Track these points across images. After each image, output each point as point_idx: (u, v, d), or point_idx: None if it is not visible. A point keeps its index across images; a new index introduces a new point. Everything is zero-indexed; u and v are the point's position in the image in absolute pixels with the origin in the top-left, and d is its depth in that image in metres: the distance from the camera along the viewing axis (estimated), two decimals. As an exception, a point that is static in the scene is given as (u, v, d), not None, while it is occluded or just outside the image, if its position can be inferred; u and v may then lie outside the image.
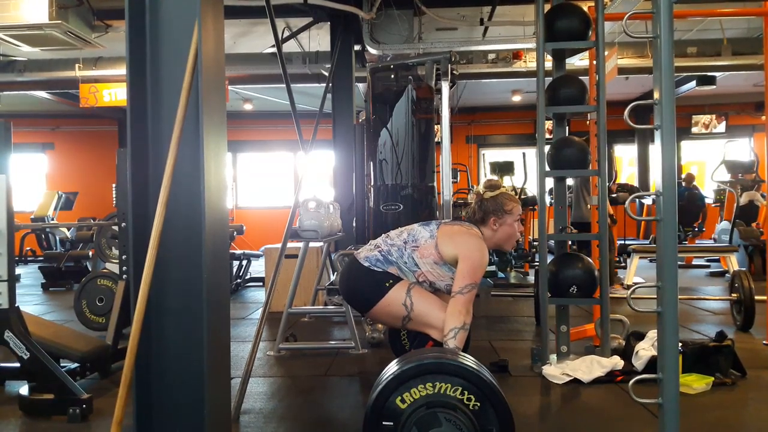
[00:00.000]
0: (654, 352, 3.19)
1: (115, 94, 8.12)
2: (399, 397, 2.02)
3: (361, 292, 2.61)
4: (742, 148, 11.24)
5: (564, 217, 3.62)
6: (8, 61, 8.20)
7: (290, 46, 7.90)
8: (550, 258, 3.48)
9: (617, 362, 3.32)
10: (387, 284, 2.54)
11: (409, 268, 2.57)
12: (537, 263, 5.06)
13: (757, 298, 4.34)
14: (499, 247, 2.74)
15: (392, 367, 2.16)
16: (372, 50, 6.70)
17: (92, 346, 3.40)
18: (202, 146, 1.93)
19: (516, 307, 5.59)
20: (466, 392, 2.00)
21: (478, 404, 2.00)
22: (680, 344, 2.57)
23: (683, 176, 9.89)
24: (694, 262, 8.57)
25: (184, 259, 1.96)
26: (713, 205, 9.30)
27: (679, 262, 6.22)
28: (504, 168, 8.06)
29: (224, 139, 2.13)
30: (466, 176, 11.29)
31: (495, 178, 2.75)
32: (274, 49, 4.83)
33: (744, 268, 6.26)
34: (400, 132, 5.18)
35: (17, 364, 2.94)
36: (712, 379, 3.07)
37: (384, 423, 2.02)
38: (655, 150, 1.86)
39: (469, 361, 2.10)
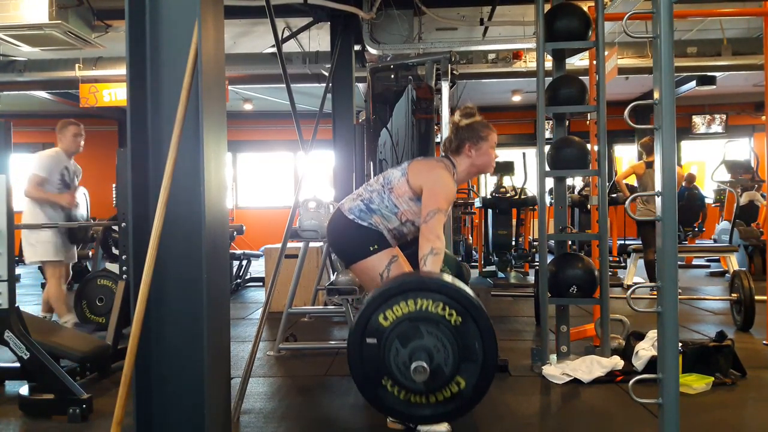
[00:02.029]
0: (654, 352, 3.19)
1: (115, 94, 8.12)
2: (381, 315, 2.06)
3: (347, 247, 2.67)
4: (742, 148, 11.24)
5: (564, 217, 3.62)
6: (8, 61, 8.19)
7: (290, 46, 7.89)
8: (550, 258, 3.48)
9: (617, 362, 3.32)
10: (372, 248, 2.58)
11: (390, 212, 2.60)
12: (537, 263, 5.06)
13: (757, 298, 4.33)
14: (476, 174, 2.76)
15: (374, 290, 2.19)
16: (372, 50, 6.70)
17: (92, 346, 3.40)
18: (202, 146, 1.93)
19: (516, 307, 5.59)
20: (447, 308, 2.03)
21: (460, 319, 2.03)
22: (680, 344, 2.57)
23: (684, 176, 9.88)
24: (694, 262, 8.56)
25: (184, 259, 1.96)
26: (713, 205, 9.30)
27: (679, 262, 6.22)
28: (504, 168, 8.05)
29: (224, 139, 2.14)
30: (466, 176, 11.28)
31: (471, 104, 2.75)
32: (274, 49, 4.83)
33: (744, 268, 6.26)
34: (400, 132, 5.18)
35: (17, 364, 2.94)
36: (712, 379, 3.07)
37: (368, 340, 2.05)
38: (655, 150, 1.86)
39: (449, 278, 2.12)
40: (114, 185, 4.18)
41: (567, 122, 3.79)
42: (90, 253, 7.41)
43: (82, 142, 4.88)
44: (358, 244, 2.60)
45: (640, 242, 6.53)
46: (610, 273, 4.24)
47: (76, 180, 4.88)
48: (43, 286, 7.35)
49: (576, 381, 3.19)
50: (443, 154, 2.79)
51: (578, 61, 6.56)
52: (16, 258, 3.13)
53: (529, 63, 7.83)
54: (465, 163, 2.70)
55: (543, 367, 3.34)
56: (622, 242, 8.69)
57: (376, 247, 2.58)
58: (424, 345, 2.01)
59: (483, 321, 2.03)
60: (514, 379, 3.32)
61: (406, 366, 2.01)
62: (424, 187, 2.55)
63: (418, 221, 2.61)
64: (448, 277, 2.16)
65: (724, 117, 12.29)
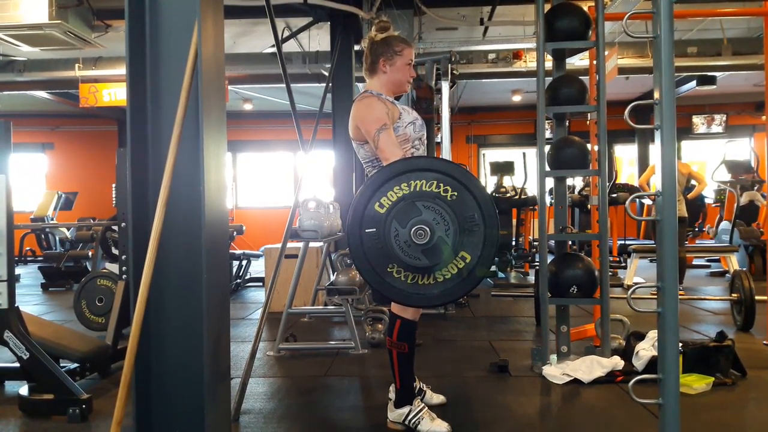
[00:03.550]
0: (654, 353, 3.19)
1: (115, 94, 8.12)
2: (377, 203, 2.05)
3: None
4: (742, 148, 11.24)
5: (564, 217, 3.62)
6: (8, 61, 8.20)
7: (290, 46, 7.89)
8: (550, 258, 3.48)
9: (617, 362, 3.32)
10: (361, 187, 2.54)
11: None
12: (537, 263, 5.05)
13: (757, 298, 4.33)
14: (395, 91, 2.66)
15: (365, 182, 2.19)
16: (372, 50, 6.68)
17: (92, 346, 3.40)
18: (202, 146, 1.93)
19: (516, 308, 5.59)
20: (441, 185, 2.03)
21: (456, 194, 2.02)
22: (680, 344, 2.57)
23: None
24: (694, 262, 8.57)
25: (184, 259, 1.96)
26: (713, 205, 9.30)
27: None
28: (504, 168, 8.06)
29: (224, 139, 2.13)
30: (466, 176, 11.28)
31: (386, 18, 2.68)
32: (274, 49, 4.82)
33: (744, 268, 6.26)
34: (400, 132, 5.17)
35: (17, 364, 2.94)
36: (713, 379, 3.07)
37: (367, 231, 2.05)
38: (655, 150, 1.86)
39: (439, 158, 2.12)
40: (114, 185, 4.17)
41: (567, 122, 3.79)
42: (90, 253, 7.41)
43: None
44: None
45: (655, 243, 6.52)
46: (610, 273, 4.24)
47: None
48: (43, 286, 7.37)
49: (576, 381, 3.19)
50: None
51: (578, 61, 6.56)
52: (15, 258, 3.13)
53: (529, 63, 7.83)
54: (381, 81, 2.60)
55: (543, 368, 3.34)
56: (623, 242, 8.69)
57: None
58: (423, 219, 2.00)
59: (478, 191, 2.02)
60: (515, 379, 3.32)
61: (409, 244, 2.00)
62: (359, 128, 2.51)
63: (412, 150, 2.56)
64: (433, 157, 2.15)
65: (724, 117, 12.29)
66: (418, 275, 2.07)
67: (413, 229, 1.99)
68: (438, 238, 2.00)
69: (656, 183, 1.85)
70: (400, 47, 2.60)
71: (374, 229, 2.04)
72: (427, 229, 1.99)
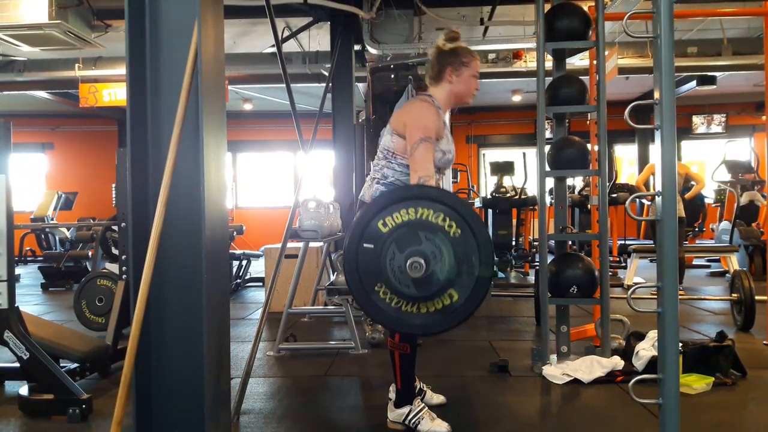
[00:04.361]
0: (654, 353, 3.19)
1: (115, 94, 8.12)
2: (381, 221, 2.05)
3: None
4: (742, 148, 11.24)
5: (564, 217, 3.62)
6: (8, 61, 8.19)
7: (290, 46, 7.89)
8: (550, 258, 3.48)
9: (617, 362, 3.32)
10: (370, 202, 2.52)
11: (406, 174, 2.51)
12: (537, 263, 5.06)
13: (757, 298, 4.34)
14: (455, 104, 2.68)
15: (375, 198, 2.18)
16: (372, 50, 6.70)
17: (92, 346, 3.40)
18: (202, 146, 1.93)
19: (516, 307, 5.59)
20: (448, 219, 2.03)
21: (459, 231, 2.02)
22: (680, 344, 2.57)
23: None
24: (695, 262, 8.57)
25: (184, 259, 1.96)
26: (713, 205, 9.30)
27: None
28: (504, 168, 8.06)
29: (224, 139, 2.13)
30: (466, 176, 11.29)
31: (455, 29, 2.70)
32: (274, 49, 4.83)
33: (744, 268, 6.26)
34: (400, 132, 5.18)
35: (17, 364, 2.94)
36: (713, 379, 3.07)
37: (365, 245, 2.05)
38: (655, 150, 1.86)
39: (453, 193, 2.11)
40: (114, 185, 4.17)
41: (567, 122, 3.79)
42: (90, 253, 7.41)
43: None
44: None
45: (654, 243, 6.52)
46: (610, 273, 4.24)
47: None
48: (42, 286, 7.37)
49: (576, 381, 3.19)
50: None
51: (578, 61, 6.56)
52: (15, 258, 3.13)
53: (529, 63, 7.83)
54: (445, 91, 2.61)
55: (543, 368, 3.34)
56: (623, 242, 8.69)
57: None
58: (421, 250, 2.00)
59: (482, 235, 2.02)
60: (515, 379, 3.32)
61: (401, 269, 2.00)
62: (406, 125, 2.48)
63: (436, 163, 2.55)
64: (449, 191, 2.16)
65: (724, 117, 12.29)
66: (404, 301, 2.07)
67: (410, 261, 1.99)
68: (431, 272, 2.00)
69: (656, 183, 1.85)
70: (467, 58, 2.62)
71: (372, 246, 2.04)
72: (423, 263, 1.98)
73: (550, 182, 3.65)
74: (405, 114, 2.55)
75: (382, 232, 2.04)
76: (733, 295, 4.47)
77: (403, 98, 5.25)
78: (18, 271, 8.79)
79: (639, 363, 3.27)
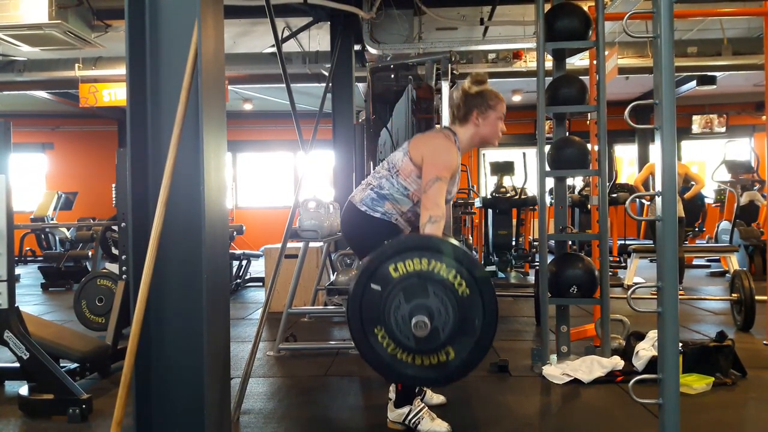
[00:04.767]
0: (654, 352, 3.19)
1: (115, 94, 8.12)
2: (392, 265, 2.04)
3: (361, 241, 2.64)
4: (742, 148, 11.23)
5: (564, 217, 3.62)
6: (8, 61, 8.20)
7: (290, 46, 7.89)
8: (550, 258, 3.48)
9: (617, 362, 3.32)
10: (387, 243, 2.54)
11: (402, 194, 2.57)
12: (537, 263, 5.06)
13: (757, 298, 4.33)
14: (479, 145, 2.70)
15: (393, 240, 2.18)
16: (372, 50, 6.70)
17: (92, 346, 3.40)
18: (202, 146, 1.93)
19: (516, 307, 5.59)
20: (459, 276, 2.02)
21: (468, 291, 2.01)
22: (680, 344, 2.57)
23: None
24: (694, 262, 8.57)
25: (184, 259, 1.96)
26: (713, 205, 9.30)
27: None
28: (504, 168, 8.06)
29: (224, 139, 2.13)
30: (466, 176, 11.27)
31: (482, 72, 2.71)
32: (274, 49, 4.83)
33: (744, 268, 6.26)
34: (400, 132, 5.18)
35: (17, 364, 2.94)
36: (713, 379, 3.07)
37: (372, 285, 2.04)
38: (655, 150, 1.86)
39: (469, 252, 2.11)
40: (114, 185, 4.17)
41: (567, 122, 3.79)
42: (90, 253, 7.41)
43: None
44: (373, 239, 2.54)
45: (654, 243, 6.53)
46: (610, 273, 4.24)
47: None
48: (43, 286, 7.38)
49: (576, 381, 3.19)
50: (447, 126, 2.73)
51: (578, 61, 6.56)
52: (15, 258, 3.13)
53: (529, 63, 7.83)
54: (470, 132, 2.63)
55: (543, 368, 3.34)
56: (623, 242, 8.69)
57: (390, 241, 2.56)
58: (427, 305, 1.99)
59: (489, 299, 2.02)
60: (515, 379, 3.32)
61: (405, 321, 2.00)
62: (424, 158, 2.50)
63: None
64: (465, 249, 2.14)
65: (724, 117, 12.29)
66: (400, 350, 2.06)
67: (415, 320, 1.97)
68: (434, 328, 1.99)
69: (655, 183, 1.85)
70: (494, 101, 2.63)
71: (380, 288, 2.03)
72: (428, 324, 1.97)
73: (550, 182, 3.65)
74: (426, 146, 2.56)
75: (392, 277, 2.03)
76: (733, 295, 4.47)
77: (403, 98, 5.25)
78: (18, 271, 8.79)
79: (639, 363, 3.27)
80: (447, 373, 2.08)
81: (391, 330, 2.02)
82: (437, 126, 2.69)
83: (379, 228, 2.57)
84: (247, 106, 11.80)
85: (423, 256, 2.03)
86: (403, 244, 2.08)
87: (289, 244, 4.05)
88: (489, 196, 7.64)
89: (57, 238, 9.38)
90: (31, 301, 6.45)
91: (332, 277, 5.26)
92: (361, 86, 8.47)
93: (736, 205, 7.49)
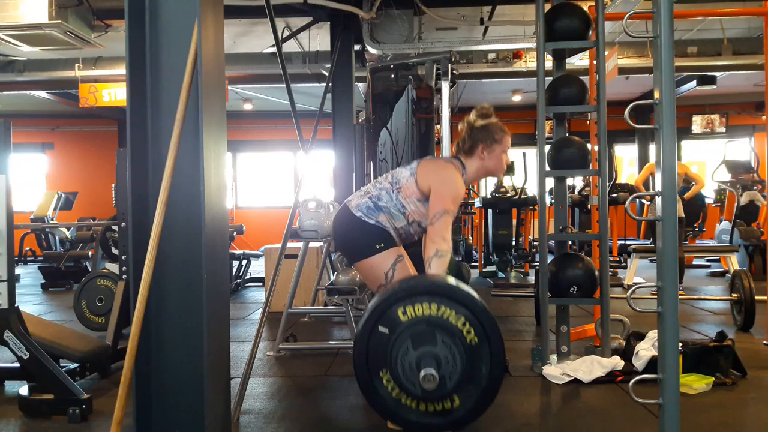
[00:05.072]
0: (654, 352, 3.19)
1: (115, 94, 8.12)
2: (401, 309, 2.02)
3: (353, 244, 2.64)
4: (742, 148, 11.24)
5: (564, 217, 3.61)
6: (8, 61, 8.20)
7: (290, 46, 7.89)
8: (550, 258, 3.48)
9: (617, 362, 3.32)
10: (378, 246, 2.56)
11: (398, 211, 2.59)
12: (537, 263, 5.06)
13: (757, 298, 4.33)
14: (485, 177, 2.76)
15: (403, 281, 2.15)
16: (372, 50, 6.70)
17: (92, 346, 3.39)
18: (202, 146, 1.93)
19: (516, 307, 5.59)
20: (468, 324, 2.00)
21: (476, 339, 1.99)
22: (680, 344, 2.57)
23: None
24: (694, 262, 8.57)
25: (184, 260, 1.96)
26: (713, 205, 9.30)
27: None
28: (504, 168, 8.03)
29: (224, 139, 2.13)
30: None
31: (487, 105, 2.75)
32: (274, 49, 4.83)
33: (744, 268, 6.26)
34: (400, 132, 5.18)
35: (17, 364, 2.94)
36: (713, 379, 3.07)
37: (380, 328, 2.02)
38: (655, 150, 1.86)
39: (479, 298, 2.09)
40: (114, 185, 4.17)
41: (567, 122, 3.79)
42: (90, 253, 7.41)
43: None
44: (364, 242, 2.58)
45: (653, 243, 6.52)
46: (610, 273, 4.24)
47: None
48: (43, 286, 7.37)
49: (576, 381, 3.19)
50: (455, 154, 2.77)
51: (578, 61, 6.56)
52: (15, 258, 3.13)
53: (529, 63, 7.83)
54: (475, 165, 2.68)
55: (543, 368, 3.34)
56: (623, 242, 8.69)
57: (381, 245, 2.57)
58: (435, 353, 1.97)
59: (497, 348, 2.00)
60: (514, 379, 3.32)
61: (412, 368, 1.98)
62: (432, 188, 2.53)
63: (425, 223, 2.60)
64: (476, 295, 2.12)
65: (724, 117, 12.29)
66: (405, 395, 2.05)
67: (424, 374, 1.95)
68: (440, 376, 1.97)
69: (655, 183, 1.85)
70: (499, 135, 2.66)
71: (387, 331, 2.01)
72: (437, 378, 1.95)
73: (550, 182, 3.65)
74: (436, 176, 2.57)
75: (400, 320, 2.01)
76: (733, 295, 4.47)
77: (403, 98, 5.25)
78: (18, 271, 8.79)
79: (639, 363, 3.27)
80: (452, 420, 2.06)
81: (398, 376, 2.01)
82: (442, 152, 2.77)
83: (370, 232, 2.58)
84: (247, 106, 11.80)
85: (433, 301, 2.01)
86: (414, 287, 2.06)
87: (289, 244, 4.05)
88: (489, 196, 7.63)
89: (57, 238, 9.38)
90: (31, 301, 6.45)
91: (332, 277, 5.26)
92: (361, 86, 8.46)
93: (736, 205, 7.49)
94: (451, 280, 2.25)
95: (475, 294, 2.09)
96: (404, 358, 1.99)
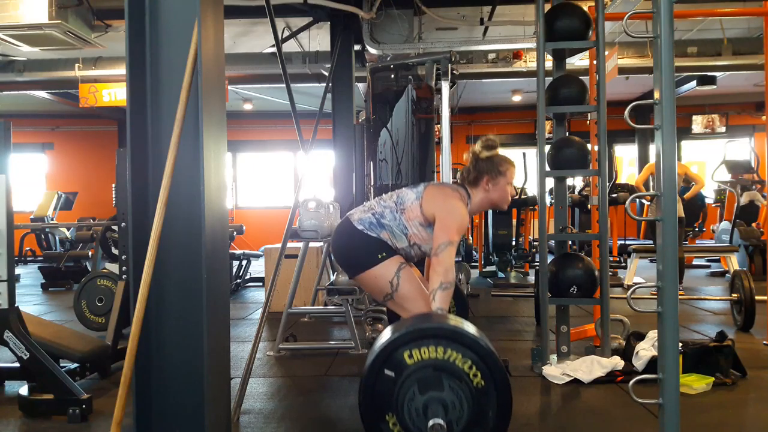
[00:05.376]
0: (654, 352, 3.19)
1: (115, 94, 8.12)
2: (408, 352, 2.00)
3: (354, 256, 2.63)
4: (742, 148, 11.24)
5: (564, 217, 3.62)
6: (8, 61, 8.19)
7: (290, 46, 7.89)
8: (550, 258, 3.48)
9: (617, 362, 3.32)
10: (380, 256, 2.56)
11: (401, 231, 2.59)
12: (537, 263, 5.06)
13: (757, 298, 4.33)
14: (489, 208, 2.75)
15: (408, 322, 2.14)
16: (372, 50, 6.70)
17: (92, 346, 3.40)
18: (202, 146, 1.93)
19: (516, 307, 5.59)
20: (474, 367, 1.98)
21: (483, 383, 1.98)
22: (680, 344, 2.57)
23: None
24: (694, 262, 8.57)
25: (184, 260, 1.96)
26: (713, 205, 9.30)
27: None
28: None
29: (224, 139, 2.13)
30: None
31: (492, 136, 2.76)
32: (274, 49, 4.83)
33: (744, 268, 6.26)
34: (400, 132, 5.18)
35: (17, 364, 2.94)
36: (713, 379, 3.07)
37: (386, 371, 2.01)
38: (655, 150, 1.86)
39: (485, 339, 2.08)
40: (114, 185, 4.17)
41: (567, 122, 3.79)
42: (90, 253, 7.41)
43: None
44: (366, 252, 2.57)
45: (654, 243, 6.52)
46: (610, 273, 4.24)
47: None
48: (43, 286, 7.37)
49: (576, 381, 3.19)
50: (460, 182, 2.78)
51: (578, 61, 6.56)
52: (15, 258, 3.13)
53: (529, 63, 7.83)
54: (480, 196, 2.69)
55: (543, 368, 3.34)
56: (623, 242, 8.69)
57: (384, 254, 2.56)
58: (442, 398, 1.95)
59: (504, 391, 1.97)
60: (514, 379, 3.32)
61: (419, 414, 1.96)
62: (437, 217, 2.53)
63: (425, 247, 2.60)
64: (482, 336, 2.11)
65: (724, 117, 12.29)
66: None
67: (432, 423, 1.92)
68: (447, 422, 1.94)
69: (656, 183, 1.85)
70: (504, 167, 2.68)
71: (393, 375, 1.99)
72: (445, 428, 1.92)
73: (550, 182, 3.65)
74: (442, 205, 2.58)
75: (406, 364, 1.99)
76: (733, 295, 4.47)
77: (403, 98, 5.25)
78: (18, 271, 8.79)
79: (639, 363, 3.27)
80: None
81: (404, 421, 1.98)
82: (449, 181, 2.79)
83: (372, 243, 2.58)
84: (247, 106, 11.80)
85: (439, 345, 1.99)
86: (420, 330, 2.03)
87: (289, 244, 4.05)
88: (489, 196, 7.62)
89: (57, 238, 9.38)
90: (31, 301, 6.45)
91: (332, 277, 5.26)
92: (361, 86, 8.46)
93: (736, 205, 7.49)
94: (457, 320, 2.23)
95: (481, 335, 2.08)
96: (411, 403, 1.97)
